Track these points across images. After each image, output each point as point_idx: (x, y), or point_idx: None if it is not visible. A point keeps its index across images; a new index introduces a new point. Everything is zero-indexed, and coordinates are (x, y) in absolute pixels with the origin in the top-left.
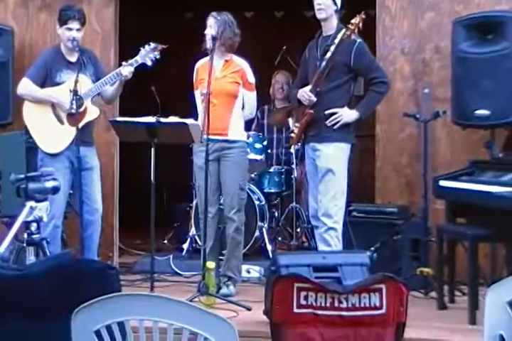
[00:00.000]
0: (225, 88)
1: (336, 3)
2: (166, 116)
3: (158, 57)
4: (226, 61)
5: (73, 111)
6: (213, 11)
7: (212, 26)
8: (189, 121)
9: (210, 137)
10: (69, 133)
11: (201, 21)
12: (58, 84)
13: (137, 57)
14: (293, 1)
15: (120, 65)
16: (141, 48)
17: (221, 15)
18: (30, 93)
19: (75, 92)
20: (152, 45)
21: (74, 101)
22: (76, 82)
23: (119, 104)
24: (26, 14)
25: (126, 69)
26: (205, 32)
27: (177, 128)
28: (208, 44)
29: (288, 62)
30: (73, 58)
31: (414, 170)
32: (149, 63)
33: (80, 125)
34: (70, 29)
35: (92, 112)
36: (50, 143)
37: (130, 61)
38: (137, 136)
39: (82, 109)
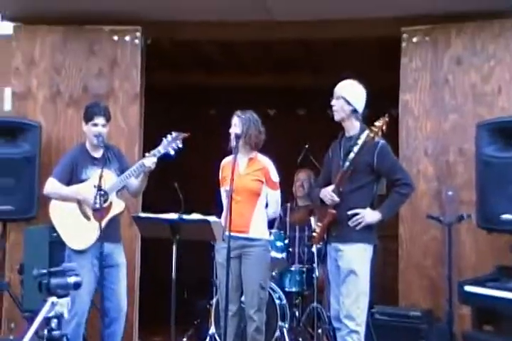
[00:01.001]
0: (248, 185)
1: (350, 104)
2: (189, 213)
3: (180, 146)
4: (250, 159)
5: (98, 206)
6: (237, 107)
7: (236, 125)
8: (211, 218)
9: (232, 234)
10: (95, 228)
11: (225, 118)
12: (84, 180)
13: (159, 148)
14: (315, 99)
15: (144, 156)
16: (163, 138)
17: (245, 114)
18: (57, 192)
19: (98, 188)
20: (174, 134)
21: (98, 197)
22: (100, 177)
23: (141, 200)
24: (54, 110)
25: (150, 160)
26: (230, 130)
27: (199, 225)
28: (233, 142)
29: (310, 160)
30: (98, 154)
31: (439, 272)
32: (172, 153)
33: (105, 220)
34: (95, 125)
35: (116, 206)
36: (77, 240)
37: (153, 151)
38: (159, 232)
39: (107, 204)
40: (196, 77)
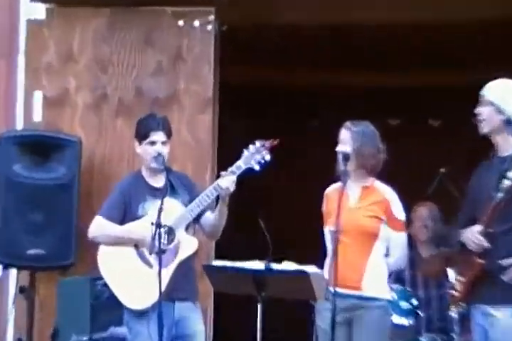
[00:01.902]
0: (361, 224)
1: (502, 112)
2: (279, 260)
3: (267, 158)
4: (365, 187)
5: (162, 247)
6: (346, 117)
7: (345, 140)
8: (310, 269)
9: (339, 291)
10: (164, 275)
11: (331, 131)
12: (141, 218)
13: (239, 162)
14: (455, 105)
15: (219, 177)
16: (244, 150)
17: (358, 126)
18: (106, 233)
19: (157, 225)
20: (258, 143)
21: (158, 235)
22: (160, 210)
23: (214, 243)
24: (98, 120)
25: (227, 180)
26: (337, 148)
27: (294, 278)
28: (341, 164)
29: (443, 190)
30: (158, 183)
31: None
32: (257, 168)
33: (172, 267)
34: (152, 143)
35: (187, 246)
36: (135, 296)
37: (231, 168)
38: (239, 287)
39: (173, 244)
40: (291, 76)
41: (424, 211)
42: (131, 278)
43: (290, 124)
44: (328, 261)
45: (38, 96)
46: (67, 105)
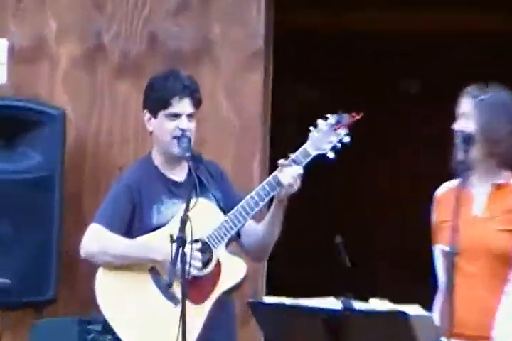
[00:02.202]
0: (491, 243)
1: None
2: (363, 298)
3: (346, 140)
4: (498, 187)
5: (195, 273)
6: (464, 80)
7: (466, 114)
8: (413, 309)
9: None
10: (194, 320)
11: (438, 101)
12: (158, 227)
13: (306, 146)
14: None
15: (275, 168)
16: (311, 129)
17: (487, 93)
18: (107, 249)
19: (179, 241)
20: (332, 118)
21: (181, 256)
22: (185, 218)
23: (266, 266)
24: (91, 84)
25: (288, 174)
26: (455, 127)
27: (387, 323)
28: (460, 152)
29: None
30: (179, 175)
31: None
32: (331, 155)
33: (209, 304)
34: (175, 115)
35: (230, 272)
36: None
37: (293, 156)
38: (303, 337)
39: (210, 268)
40: (375, 19)
41: None
42: (146, 318)
43: (374, 90)
44: (440, 298)
45: (0, 47)
46: (44, 60)
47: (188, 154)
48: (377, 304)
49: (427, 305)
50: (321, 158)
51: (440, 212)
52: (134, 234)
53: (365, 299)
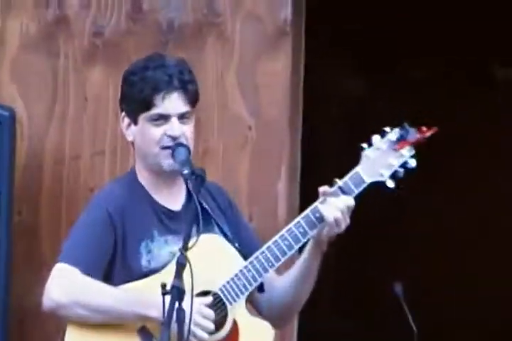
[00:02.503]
0: None
1: None
2: None
3: (411, 164)
4: None
5: (205, 338)
6: None
7: None
8: None
9: None
10: None
11: None
12: (148, 273)
13: (359, 170)
14: None
15: (310, 193)
16: (364, 147)
17: None
18: (83, 301)
19: (172, 291)
20: (392, 133)
21: (191, 312)
22: (181, 262)
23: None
24: (51, 72)
25: (334, 206)
26: None
27: None
28: None
29: None
30: (175, 201)
31: None
32: (390, 184)
33: None
34: (162, 118)
35: (254, 338)
36: None
37: (340, 182)
38: None
39: (224, 332)
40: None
41: None
42: None
43: (459, 94)
44: None
45: None
46: None
47: (185, 171)
48: None
49: None
50: (377, 186)
51: None
52: (114, 282)
53: None
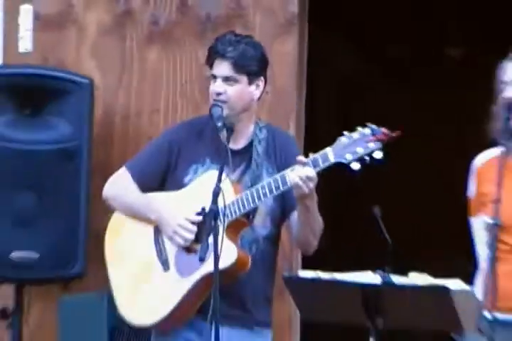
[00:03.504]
0: None
1: None
2: (403, 272)
3: (377, 155)
4: None
5: (184, 244)
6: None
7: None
8: (454, 283)
9: (501, 317)
10: (176, 291)
11: (480, 65)
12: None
13: (327, 151)
14: None
15: (306, 156)
16: (344, 133)
17: None
18: (119, 197)
19: (208, 213)
20: (367, 129)
21: (202, 229)
22: (217, 190)
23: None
24: (120, 52)
25: (298, 174)
26: (503, 95)
27: (427, 298)
28: (503, 119)
29: None
30: (238, 142)
31: None
32: (355, 166)
33: (194, 280)
34: (213, 77)
35: (223, 253)
36: (139, 308)
37: (312, 156)
38: (340, 312)
39: (203, 245)
40: None
41: None
42: (137, 275)
43: (417, 54)
44: (482, 273)
45: (26, 13)
46: (71, 27)
47: (219, 124)
48: (417, 278)
49: (468, 280)
50: (344, 166)
51: (481, 184)
52: (167, 187)
53: (405, 273)
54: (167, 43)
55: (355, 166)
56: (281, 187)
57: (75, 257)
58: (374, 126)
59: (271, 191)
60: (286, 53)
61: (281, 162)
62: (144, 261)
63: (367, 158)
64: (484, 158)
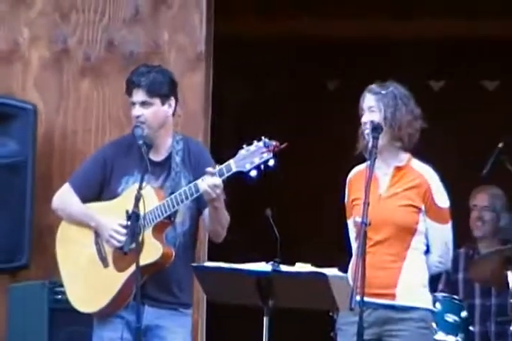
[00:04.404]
0: (394, 216)
1: None
2: (291, 263)
3: (271, 164)
4: (398, 168)
5: (119, 245)
6: (372, 78)
7: (373, 108)
8: (331, 271)
9: (368, 300)
10: (115, 282)
11: (353, 97)
12: (116, 197)
13: (231, 162)
14: None
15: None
16: (244, 146)
17: (386, 88)
18: (65, 209)
19: (131, 215)
20: (261, 142)
21: (127, 230)
22: (138, 196)
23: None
24: (59, 81)
25: (207, 184)
26: (363, 120)
27: (309, 283)
28: (369, 139)
29: (506, 170)
30: (159, 155)
31: None
32: (253, 173)
33: (128, 273)
34: (133, 104)
35: (148, 251)
36: (85, 297)
37: (218, 167)
38: (240, 295)
39: (135, 245)
40: (301, 25)
41: (482, 198)
42: (83, 273)
43: (302, 88)
44: (353, 263)
45: None
46: (17, 62)
47: (140, 141)
48: (302, 267)
49: (343, 270)
50: (244, 175)
51: (353, 191)
52: (104, 197)
53: (293, 263)
54: (97, 76)
55: (253, 173)
56: (194, 194)
57: (21, 251)
58: (266, 140)
59: (187, 197)
60: (195, 83)
61: (197, 168)
62: (88, 259)
63: (261, 164)
64: (355, 172)
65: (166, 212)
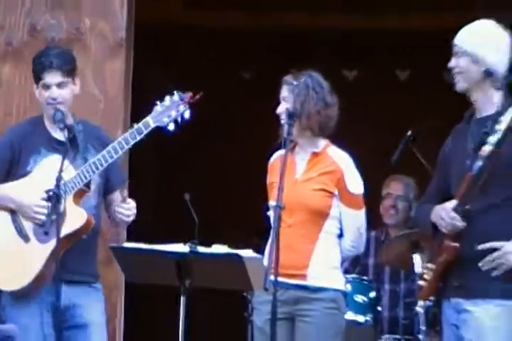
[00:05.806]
0: (308, 200)
1: (481, 63)
2: (208, 244)
3: (186, 115)
4: (314, 154)
5: (44, 219)
6: (287, 68)
7: (286, 98)
8: (245, 253)
9: (281, 280)
10: (39, 256)
11: (270, 86)
12: (26, 175)
13: (147, 119)
14: (427, 55)
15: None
16: (158, 103)
17: (299, 78)
18: None
19: (52, 195)
20: (176, 96)
21: (49, 204)
22: (59, 178)
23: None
24: None
25: (122, 210)
26: (278, 110)
27: (225, 263)
28: (283, 127)
29: (415, 158)
30: (62, 135)
31: None
32: (171, 127)
33: (52, 244)
34: (46, 86)
35: (73, 218)
36: (7, 275)
37: (136, 126)
38: (158, 276)
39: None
40: (228, 16)
41: (394, 186)
42: (3, 252)
43: (221, 75)
44: (268, 245)
45: None
46: None
47: (61, 124)
48: (218, 248)
49: (259, 251)
50: (163, 129)
51: (271, 175)
52: (12, 178)
53: (210, 245)
54: (18, 60)
55: (171, 127)
56: (107, 162)
57: None
58: (181, 93)
59: (101, 165)
60: (116, 70)
61: (98, 142)
62: (7, 238)
63: (179, 118)
64: (275, 156)
65: (85, 179)
